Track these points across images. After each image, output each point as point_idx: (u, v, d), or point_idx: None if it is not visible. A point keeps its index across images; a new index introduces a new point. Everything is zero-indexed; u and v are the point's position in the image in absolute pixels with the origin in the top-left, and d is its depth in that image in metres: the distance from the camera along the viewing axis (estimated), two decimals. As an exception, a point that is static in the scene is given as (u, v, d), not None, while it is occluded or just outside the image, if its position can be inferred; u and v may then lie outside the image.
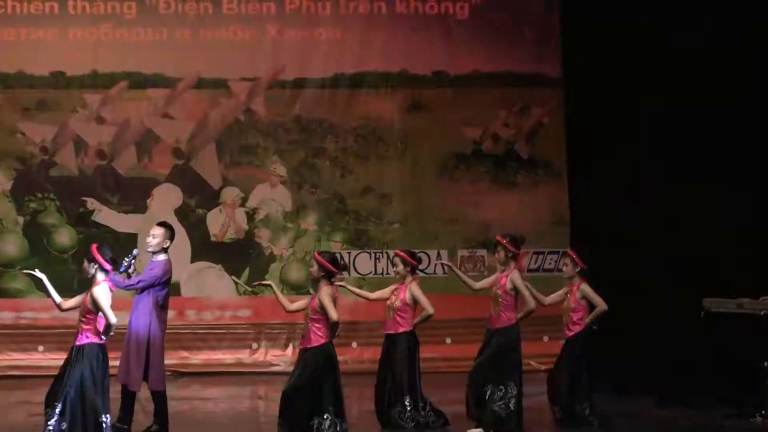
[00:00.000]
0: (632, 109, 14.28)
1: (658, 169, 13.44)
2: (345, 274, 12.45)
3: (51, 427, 9.45)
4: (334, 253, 10.90)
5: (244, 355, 16.24)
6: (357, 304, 15.53)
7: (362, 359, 15.44)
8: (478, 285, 11.79)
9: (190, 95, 16.45)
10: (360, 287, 15.47)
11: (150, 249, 11.09)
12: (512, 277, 11.23)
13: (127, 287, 10.93)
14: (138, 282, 10.95)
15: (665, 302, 12.93)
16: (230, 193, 16.46)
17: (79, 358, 9.48)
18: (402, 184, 16.59)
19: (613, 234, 13.44)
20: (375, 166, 16.59)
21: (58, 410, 9.46)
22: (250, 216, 16.48)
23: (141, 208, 16.21)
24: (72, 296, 9.85)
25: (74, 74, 16.26)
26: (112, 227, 15.91)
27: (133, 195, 16.29)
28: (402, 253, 11.65)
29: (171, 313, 15.64)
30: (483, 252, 16.24)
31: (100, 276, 9.57)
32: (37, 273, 9.90)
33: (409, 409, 11.30)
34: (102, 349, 9.53)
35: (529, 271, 15.61)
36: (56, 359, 14.63)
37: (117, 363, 10.87)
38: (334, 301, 10.20)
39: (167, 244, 11.18)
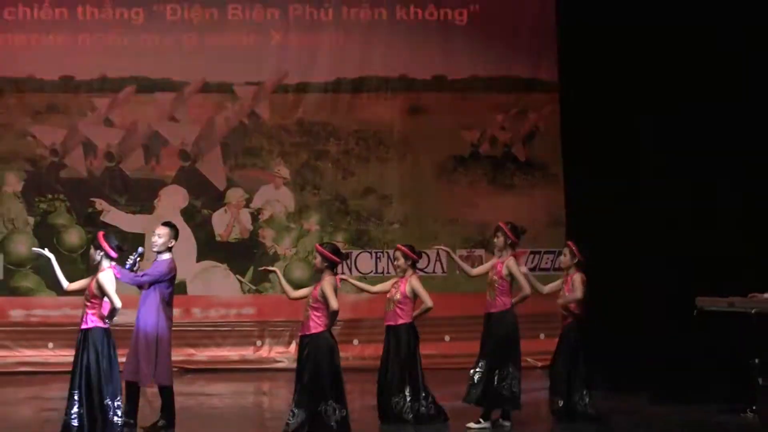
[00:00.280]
0: (627, 113, 14.25)
1: (653, 171, 13.42)
2: (346, 272, 12.37)
3: (74, 415, 9.44)
4: (336, 244, 10.87)
5: (248, 352, 16.23)
6: (358, 302, 15.58)
7: (363, 356, 15.43)
8: (475, 271, 11.82)
9: (196, 99, 16.45)
10: (361, 286, 15.58)
11: (155, 249, 11.04)
12: (508, 263, 11.26)
13: (132, 281, 10.86)
14: (143, 276, 10.91)
15: (659, 301, 12.91)
16: (235, 194, 16.45)
17: (85, 344, 9.48)
18: (402, 186, 16.59)
19: (608, 234, 13.41)
20: (376, 168, 16.59)
21: (76, 397, 9.45)
22: (255, 216, 16.47)
23: (148, 208, 16.20)
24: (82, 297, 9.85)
25: (83, 79, 16.26)
26: (120, 227, 15.87)
27: (141, 196, 16.29)
28: (403, 248, 11.65)
29: (177, 311, 15.66)
30: (481, 252, 16.23)
31: (106, 263, 9.58)
32: (46, 252, 9.91)
33: (408, 399, 11.28)
34: (107, 334, 9.53)
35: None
36: (66, 356, 14.61)
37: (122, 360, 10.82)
38: (336, 291, 10.20)
39: (172, 244, 11.14)
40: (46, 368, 15.36)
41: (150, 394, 11.54)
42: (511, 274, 11.25)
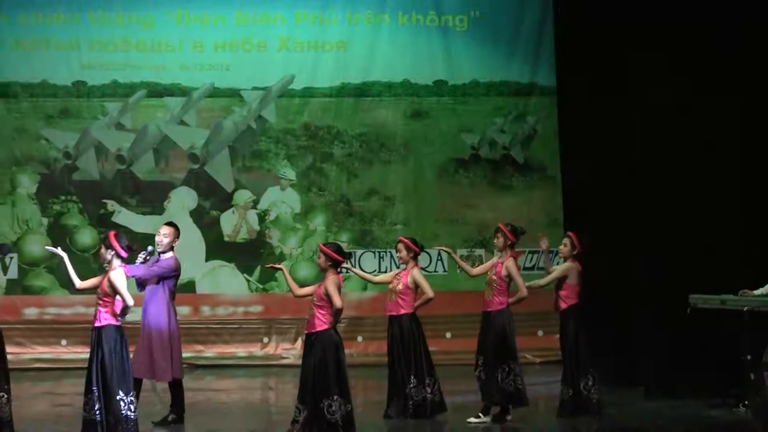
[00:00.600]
0: (622, 115, 14.21)
1: (648, 172, 13.36)
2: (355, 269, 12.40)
3: (97, 411, 9.43)
4: (339, 244, 10.88)
5: (255, 349, 16.23)
6: (362, 300, 15.59)
7: (367, 352, 15.44)
8: (475, 271, 11.83)
9: (205, 104, 16.46)
10: (364, 285, 15.59)
11: (161, 248, 11.03)
12: (507, 264, 11.27)
13: (144, 273, 10.87)
14: (154, 267, 10.93)
15: (654, 298, 12.87)
16: (242, 196, 16.46)
17: (99, 341, 9.48)
18: (404, 187, 16.59)
19: (604, 234, 13.38)
20: (379, 171, 16.59)
21: (96, 394, 9.44)
22: (262, 217, 16.48)
23: (158, 209, 16.20)
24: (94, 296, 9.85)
25: (95, 84, 16.27)
26: (131, 228, 15.86)
27: (151, 197, 16.30)
28: (406, 240, 11.69)
29: (186, 309, 15.86)
30: (481, 251, 16.23)
31: (116, 262, 9.58)
32: (59, 251, 9.90)
33: (412, 386, 11.29)
34: (119, 331, 9.53)
35: (525, 269, 15.54)
36: (78, 352, 14.71)
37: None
38: (339, 289, 10.20)
39: (176, 243, 11.17)
40: (60, 364, 15.40)
41: (160, 389, 11.53)
42: (509, 275, 11.27)
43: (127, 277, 9.64)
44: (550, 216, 16.34)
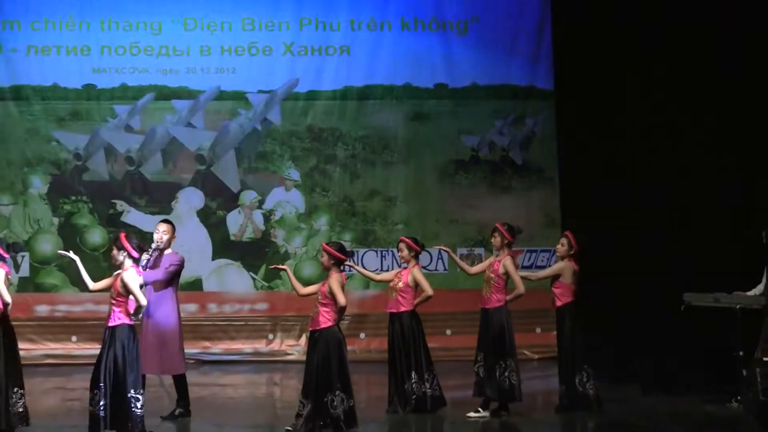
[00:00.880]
0: (619, 118, 14.25)
1: (644, 172, 13.40)
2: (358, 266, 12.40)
3: (101, 406, 9.45)
4: (341, 242, 10.89)
5: (260, 345, 16.23)
6: (365, 298, 15.59)
7: (369, 348, 15.44)
8: (474, 269, 11.84)
9: (212, 106, 16.46)
10: (366, 283, 15.60)
11: (161, 245, 11.02)
12: (505, 262, 11.26)
13: (164, 275, 10.94)
14: (170, 266, 10.98)
15: (650, 296, 12.89)
16: (248, 196, 16.46)
17: (112, 340, 9.50)
18: (406, 188, 16.59)
19: (601, 233, 13.40)
20: (381, 172, 16.59)
21: (103, 391, 9.46)
22: (267, 217, 16.48)
23: (166, 209, 16.19)
24: (106, 294, 9.87)
25: (105, 87, 16.27)
26: (140, 227, 15.85)
27: (159, 198, 16.31)
28: (407, 240, 11.71)
29: (194, 306, 15.89)
30: (480, 250, 16.22)
31: (128, 262, 9.59)
32: (72, 255, 9.92)
33: (413, 382, 11.30)
34: (132, 330, 9.57)
35: (523, 267, 15.56)
36: (88, 349, 14.72)
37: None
38: (342, 287, 10.21)
39: (174, 239, 11.21)
40: (70, 360, 15.40)
41: (168, 384, 11.53)
42: (507, 273, 11.26)
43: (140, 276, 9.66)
44: (547, 216, 16.34)
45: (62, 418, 11.17)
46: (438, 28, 16.61)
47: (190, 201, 16.33)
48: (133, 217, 16.09)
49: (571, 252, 11.52)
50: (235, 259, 16.36)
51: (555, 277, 11.50)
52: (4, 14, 16.13)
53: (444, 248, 12.35)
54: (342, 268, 10.36)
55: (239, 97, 16.47)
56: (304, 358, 10.66)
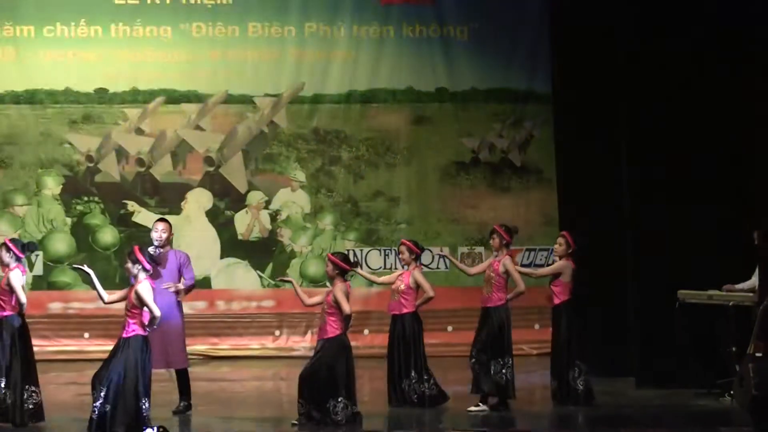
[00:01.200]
0: (615, 120, 14.18)
1: (641, 172, 13.32)
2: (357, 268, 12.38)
3: (96, 409, 9.46)
4: (346, 253, 10.89)
5: (267, 341, 16.24)
6: (368, 296, 15.60)
7: (373, 345, 15.42)
8: (473, 270, 11.85)
9: (220, 109, 16.47)
10: (370, 281, 15.58)
11: (161, 243, 11.00)
12: (504, 261, 11.25)
13: (193, 283, 11.07)
14: (189, 271, 11.08)
15: (646, 293, 12.85)
16: (255, 197, 16.47)
17: (125, 349, 9.49)
18: (408, 189, 16.59)
19: (599, 233, 13.38)
20: (384, 173, 16.59)
21: (102, 393, 9.46)
22: (273, 217, 16.49)
23: (176, 210, 16.21)
24: (114, 288, 9.87)
25: (116, 91, 16.28)
26: (150, 227, 15.84)
27: (169, 198, 16.32)
28: (408, 242, 11.70)
29: (202, 304, 15.93)
30: (481, 249, 16.22)
31: (142, 275, 9.57)
32: (86, 268, 9.90)
33: (413, 381, 11.30)
34: (146, 341, 9.54)
35: (522, 265, 15.55)
36: (100, 345, 14.72)
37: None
38: (347, 296, 10.21)
39: (172, 237, 11.25)
40: (82, 356, 15.37)
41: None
42: (507, 272, 11.25)
43: (154, 289, 9.64)
44: (545, 216, 16.34)
45: (74, 412, 11.17)
46: (439, 33, 16.61)
47: (199, 201, 16.34)
48: (144, 217, 16.09)
49: (569, 251, 11.53)
50: (242, 257, 16.36)
51: (554, 276, 11.51)
52: (19, 21, 16.14)
53: (444, 254, 12.36)
54: (346, 277, 10.36)
55: (247, 100, 16.48)
56: (309, 354, 10.68)
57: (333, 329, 10.18)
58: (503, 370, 11.11)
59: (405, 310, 11.44)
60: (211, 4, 16.39)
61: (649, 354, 12.72)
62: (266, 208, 16.48)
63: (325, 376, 10.14)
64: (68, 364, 15.15)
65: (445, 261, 15.66)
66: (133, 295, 9.49)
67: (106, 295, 9.73)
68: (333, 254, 10.44)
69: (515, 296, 11.34)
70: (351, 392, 10.23)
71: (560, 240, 11.67)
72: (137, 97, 16.31)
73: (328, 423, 10.11)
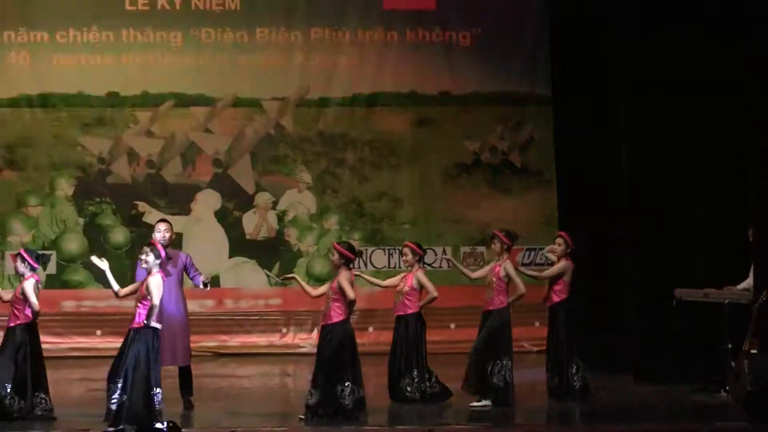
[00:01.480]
0: (613, 121, 14.19)
1: (639, 173, 13.31)
2: (362, 267, 12.39)
3: (115, 400, 9.48)
4: (350, 242, 10.90)
5: (275, 339, 16.24)
6: (373, 294, 15.55)
7: (378, 342, 15.38)
8: (475, 274, 11.81)
9: (228, 113, 16.48)
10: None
11: (165, 243, 10.98)
12: (505, 265, 11.22)
13: (197, 282, 11.13)
14: (196, 269, 11.13)
15: (644, 291, 12.85)
16: (263, 198, 16.47)
17: (136, 339, 9.51)
18: (412, 190, 16.59)
19: (598, 233, 13.38)
20: (388, 174, 16.59)
21: (120, 385, 9.48)
22: (280, 217, 16.49)
23: (185, 210, 16.24)
24: (126, 287, 9.92)
25: (127, 94, 16.29)
26: (160, 227, 15.89)
27: (179, 199, 16.33)
28: (411, 244, 11.71)
29: (211, 302, 15.95)
30: (482, 249, 16.21)
31: (156, 268, 9.60)
32: (100, 262, 9.93)
33: (416, 380, 11.30)
34: (156, 332, 9.54)
35: (523, 265, 15.54)
36: (112, 342, 14.68)
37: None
38: (351, 284, 10.22)
39: (174, 237, 11.26)
40: (94, 353, 15.38)
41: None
42: (508, 276, 11.21)
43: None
44: (545, 216, 16.33)
45: (86, 407, 11.18)
46: (442, 38, 16.62)
47: (207, 202, 16.35)
48: (154, 217, 16.03)
49: (568, 251, 11.52)
50: (250, 257, 16.37)
51: (557, 276, 11.51)
52: (34, 27, 16.16)
53: (449, 258, 12.36)
54: (350, 266, 10.37)
55: (254, 104, 16.48)
56: (315, 351, 10.67)
57: (337, 314, 10.21)
58: (501, 373, 11.07)
59: (409, 311, 11.45)
60: (219, 11, 16.40)
61: (647, 351, 12.71)
62: (273, 208, 16.48)
63: (332, 362, 10.15)
64: (81, 360, 15.17)
65: (447, 261, 15.64)
66: (144, 287, 9.52)
67: (120, 289, 9.77)
68: (338, 243, 10.48)
69: (517, 298, 11.32)
70: (357, 377, 10.24)
71: (559, 240, 11.66)
72: (148, 101, 16.32)
73: (335, 408, 10.09)
